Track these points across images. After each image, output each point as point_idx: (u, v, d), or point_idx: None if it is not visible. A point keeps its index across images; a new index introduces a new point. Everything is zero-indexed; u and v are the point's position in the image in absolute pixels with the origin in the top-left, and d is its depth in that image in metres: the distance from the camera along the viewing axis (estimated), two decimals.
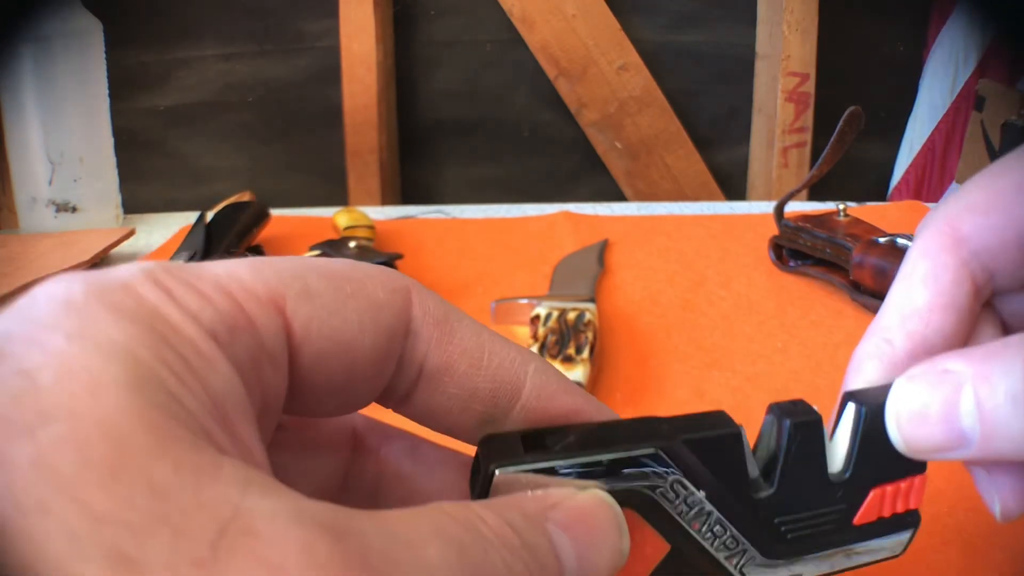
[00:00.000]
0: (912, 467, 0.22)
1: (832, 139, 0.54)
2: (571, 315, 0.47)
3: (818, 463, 0.21)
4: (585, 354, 0.44)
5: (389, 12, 1.25)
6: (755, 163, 1.37)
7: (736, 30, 1.31)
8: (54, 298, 0.14)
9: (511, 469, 0.18)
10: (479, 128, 1.34)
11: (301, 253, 0.58)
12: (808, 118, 1.29)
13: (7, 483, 0.12)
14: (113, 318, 0.14)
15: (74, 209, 0.69)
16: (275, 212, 0.68)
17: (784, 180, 1.30)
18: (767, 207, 0.72)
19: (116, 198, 0.73)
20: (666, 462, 0.19)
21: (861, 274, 0.53)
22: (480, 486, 0.18)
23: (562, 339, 0.45)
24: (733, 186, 1.39)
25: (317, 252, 0.56)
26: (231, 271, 0.17)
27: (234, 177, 1.30)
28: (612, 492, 0.19)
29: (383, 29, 1.23)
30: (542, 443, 0.20)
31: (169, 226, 0.73)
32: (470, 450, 0.21)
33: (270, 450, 0.16)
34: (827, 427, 0.21)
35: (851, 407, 0.21)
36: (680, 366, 0.48)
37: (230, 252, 0.58)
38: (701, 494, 0.20)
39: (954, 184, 1.26)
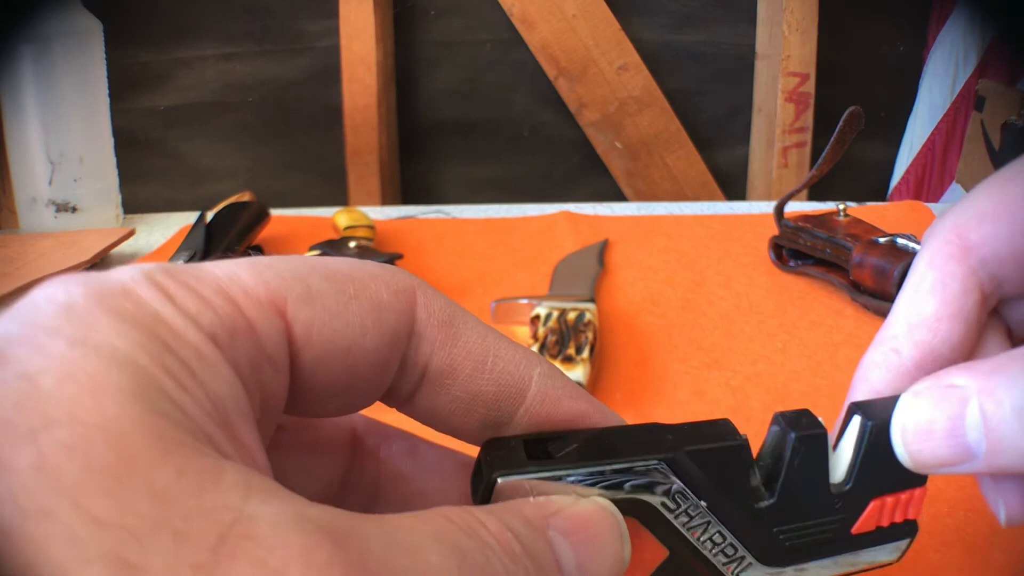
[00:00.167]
0: (913, 480, 0.22)
1: (832, 139, 0.54)
2: (571, 315, 0.47)
3: (820, 475, 0.21)
4: (585, 354, 0.44)
5: (389, 12, 1.25)
6: (755, 163, 1.37)
7: (736, 30, 1.31)
8: (54, 301, 0.14)
9: (513, 478, 0.18)
10: (479, 128, 1.34)
11: (301, 253, 0.58)
12: (808, 118, 1.29)
13: (9, 488, 0.12)
14: (114, 323, 0.14)
15: (74, 209, 0.69)
16: (275, 212, 0.68)
17: (784, 180, 1.30)
18: (767, 207, 0.72)
19: (116, 198, 0.73)
20: (669, 473, 0.19)
21: (861, 274, 0.53)
22: (482, 493, 0.18)
23: (562, 339, 0.45)
24: (733, 186, 1.39)
25: (317, 252, 0.56)
26: (232, 273, 0.17)
27: (234, 177, 1.30)
28: (614, 501, 0.19)
29: (383, 29, 1.23)
30: (545, 450, 0.20)
31: (169, 226, 0.73)
32: (471, 450, 0.21)
33: (270, 451, 0.16)
34: (831, 436, 0.21)
35: (856, 420, 0.21)
36: (680, 366, 0.48)
37: (230, 252, 0.58)
38: (703, 504, 0.20)
39: (954, 184, 1.26)
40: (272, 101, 1.29)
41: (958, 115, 1.26)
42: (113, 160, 0.72)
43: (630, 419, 0.22)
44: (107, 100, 0.71)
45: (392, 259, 0.55)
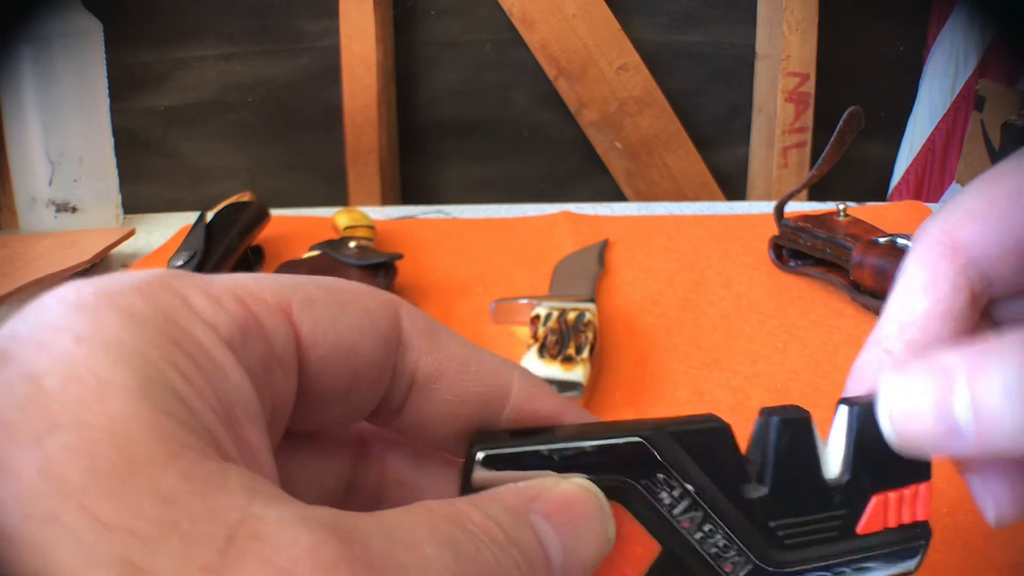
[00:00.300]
0: (915, 473, 0.21)
1: (832, 139, 0.54)
2: (571, 315, 0.47)
3: (811, 463, 0.21)
4: (585, 354, 0.44)
5: (389, 12, 1.25)
6: (755, 163, 1.37)
7: (736, 30, 1.31)
8: (64, 300, 0.15)
9: (495, 451, 0.18)
10: (479, 128, 1.34)
11: (301, 253, 0.58)
12: (808, 118, 1.29)
13: (15, 492, 0.12)
14: (123, 320, 0.14)
15: (74, 209, 0.69)
16: (275, 212, 0.68)
17: (784, 180, 1.30)
18: (767, 207, 0.72)
19: (116, 198, 0.73)
20: (652, 454, 0.19)
21: (861, 274, 0.53)
22: (465, 472, 0.18)
23: (562, 339, 0.45)
24: (733, 186, 1.39)
25: (317, 252, 0.56)
26: (237, 280, 0.17)
27: (234, 177, 1.30)
28: (598, 484, 0.19)
29: (383, 29, 1.23)
30: (529, 434, 0.20)
31: (169, 226, 0.73)
32: None
33: (277, 456, 0.16)
34: (823, 434, 0.21)
35: (843, 409, 0.21)
36: (680, 366, 0.48)
37: (230, 252, 0.58)
38: (689, 487, 0.19)
39: (954, 184, 1.26)
40: (272, 101, 1.29)
41: (958, 115, 1.26)
42: (113, 160, 0.72)
43: (630, 419, 0.22)
44: (107, 100, 0.71)
45: (392, 259, 0.55)
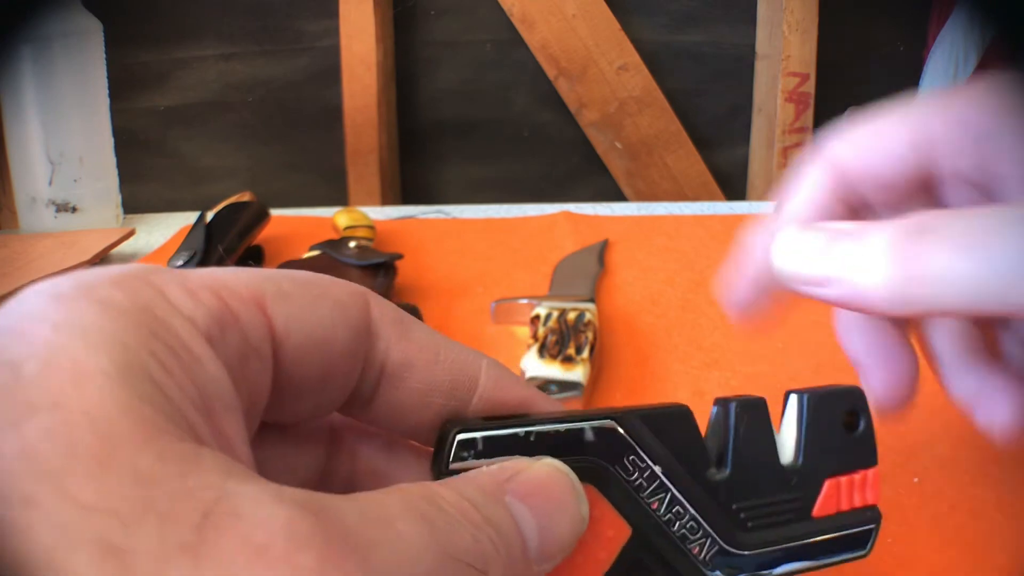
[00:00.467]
0: (862, 459, 0.23)
1: None
2: (571, 315, 0.47)
3: (768, 446, 0.22)
4: (585, 354, 0.44)
5: (389, 12, 1.25)
6: (755, 163, 1.37)
7: (736, 30, 1.31)
8: (43, 293, 0.15)
9: (470, 435, 0.19)
10: (479, 128, 1.34)
11: (301, 253, 0.58)
12: (808, 118, 1.29)
13: None
14: (101, 310, 0.14)
15: (74, 209, 0.69)
16: (275, 212, 0.68)
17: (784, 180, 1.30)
18: (767, 207, 0.72)
19: (116, 198, 0.73)
20: (622, 436, 0.20)
21: None
22: (444, 454, 0.19)
23: (562, 339, 0.45)
24: (733, 186, 1.39)
25: (317, 252, 0.56)
26: (213, 274, 0.17)
27: (234, 177, 1.30)
28: (571, 466, 0.19)
29: (383, 29, 1.23)
30: (500, 420, 0.20)
31: (169, 226, 0.73)
32: None
33: (252, 447, 0.17)
34: (775, 425, 0.22)
35: (793, 397, 0.23)
36: (680, 366, 0.48)
37: (230, 252, 0.58)
38: (657, 469, 0.20)
39: None
40: (272, 101, 1.29)
41: None
42: (113, 160, 0.72)
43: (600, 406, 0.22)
44: (107, 100, 0.71)
45: (392, 259, 0.55)
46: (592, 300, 0.50)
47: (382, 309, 0.20)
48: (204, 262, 0.55)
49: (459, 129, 1.34)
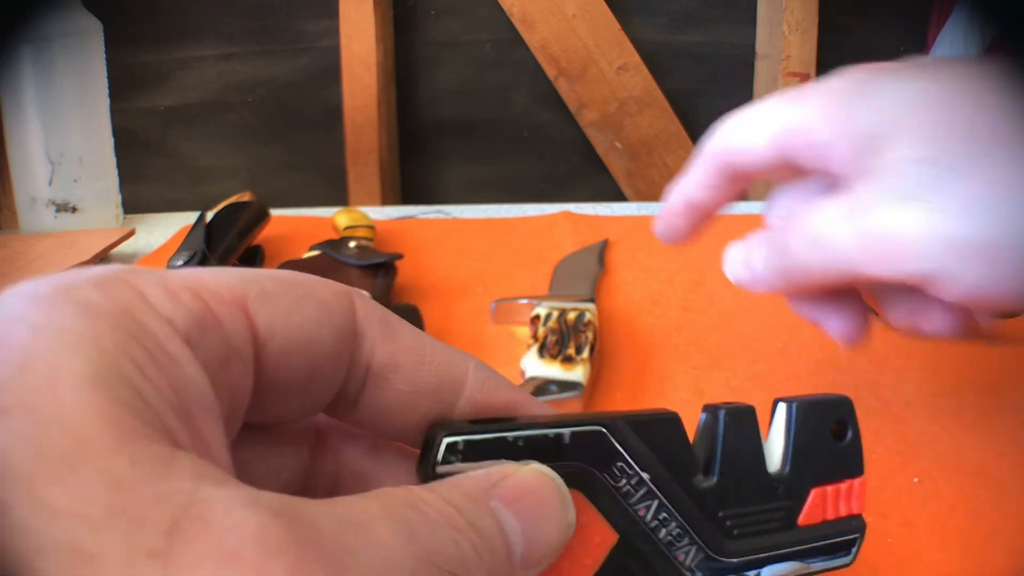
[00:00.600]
0: (849, 468, 0.23)
1: None
2: (571, 315, 0.47)
3: (755, 454, 0.22)
4: (585, 354, 0.44)
5: (389, 12, 1.25)
6: None
7: (736, 30, 1.31)
8: (21, 295, 0.15)
9: (457, 438, 0.18)
10: (479, 128, 1.34)
11: (301, 253, 0.58)
12: None
13: None
14: (79, 312, 0.14)
15: (74, 209, 0.69)
16: (275, 212, 0.68)
17: None
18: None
19: (116, 198, 0.73)
20: (611, 442, 0.20)
21: None
22: (430, 458, 0.19)
23: (562, 339, 0.45)
24: None
25: (317, 252, 0.56)
26: (194, 275, 0.17)
27: (234, 177, 1.30)
28: (558, 472, 0.19)
29: (383, 29, 1.23)
30: (488, 424, 0.20)
31: (169, 226, 0.73)
32: None
33: (235, 449, 0.17)
34: (763, 433, 0.22)
35: (782, 406, 0.23)
36: (680, 366, 0.48)
37: (230, 252, 0.58)
38: (645, 475, 0.20)
39: None
40: (272, 101, 1.29)
41: None
42: (113, 160, 0.72)
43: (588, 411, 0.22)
44: (107, 100, 0.71)
45: (392, 259, 0.55)
46: (592, 300, 0.50)
47: (367, 309, 0.20)
48: (204, 262, 0.55)
49: (459, 129, 1.34)
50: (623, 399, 0.44)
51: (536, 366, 0.43)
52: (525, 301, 0.51)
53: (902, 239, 0.27)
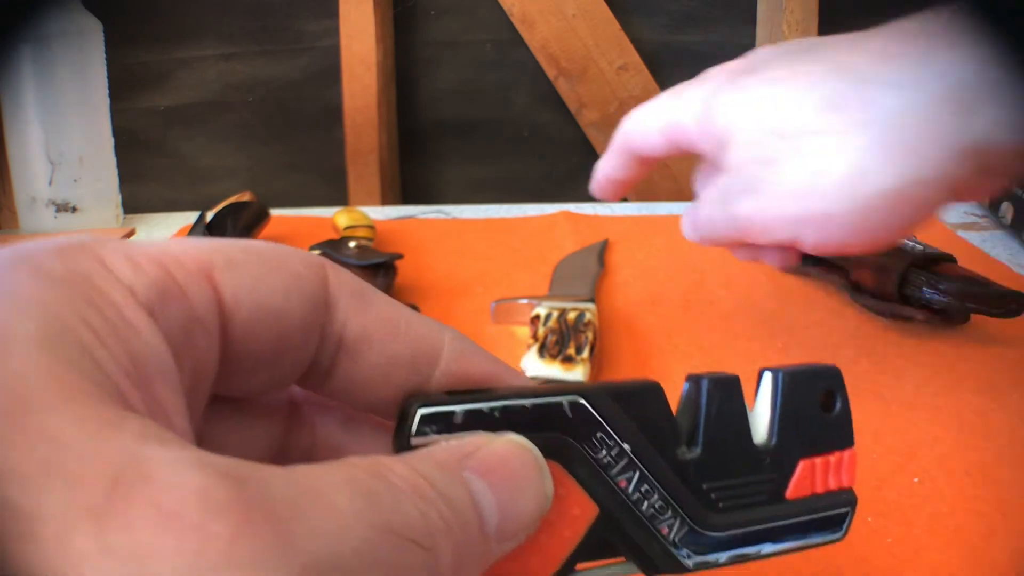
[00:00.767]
0: (839, 439, 0.22)
1: None
2: (571, 315, 0.47)
3: (740, 425, 0.21)
4: (585, 354, 0.44)
5: (389, 12, 1.25)
6: None
7: (736, 30, 1.31)
8: None
9: (433, 409, 0.18)
10: (479, 128, 1.34)
11: None
12: None
13: None
14: (35, 278, 0.14)
15: (74, 209, 0.69)
16: (275, 212, 0.68)
17: None
18: None
19: (116, 198, 0.73)
20: (590, 411, 0.19)
21: (861, 274, 0.53)
22: (405, 430, 0.18)
23: (562, 339, 0.45)
24: None
25: (317, 252, 0.56)
26: (160, 245, 0.17)
27: (234, 177, 1.30)
28: (535, 442, 0.18)
29: (383, 29, 1.23)
30: (465, 395, 0.20)
31: (169, 226, 0.73)
32: None
33: (206, 421, 0.16)
34: (749, 404, 0.22)
35: (767, 375, 0.22)
36: (680, 366, 0.48)
37: None
38: (626, 446, 0.19)
39: None
40: (272, 101, 1.29)
41: None
42: (113, 160, 0.72)
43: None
44: (107, 100, 0.71)
45: (392, 259, 0.55)
46: (592, 300, 0.50)
47: (341, 280, 0.19)
48: None
49: (459, 129, 1.34)
50: None
51: (536, 366, 0.43)
52: (525, 301, 0.51)
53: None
